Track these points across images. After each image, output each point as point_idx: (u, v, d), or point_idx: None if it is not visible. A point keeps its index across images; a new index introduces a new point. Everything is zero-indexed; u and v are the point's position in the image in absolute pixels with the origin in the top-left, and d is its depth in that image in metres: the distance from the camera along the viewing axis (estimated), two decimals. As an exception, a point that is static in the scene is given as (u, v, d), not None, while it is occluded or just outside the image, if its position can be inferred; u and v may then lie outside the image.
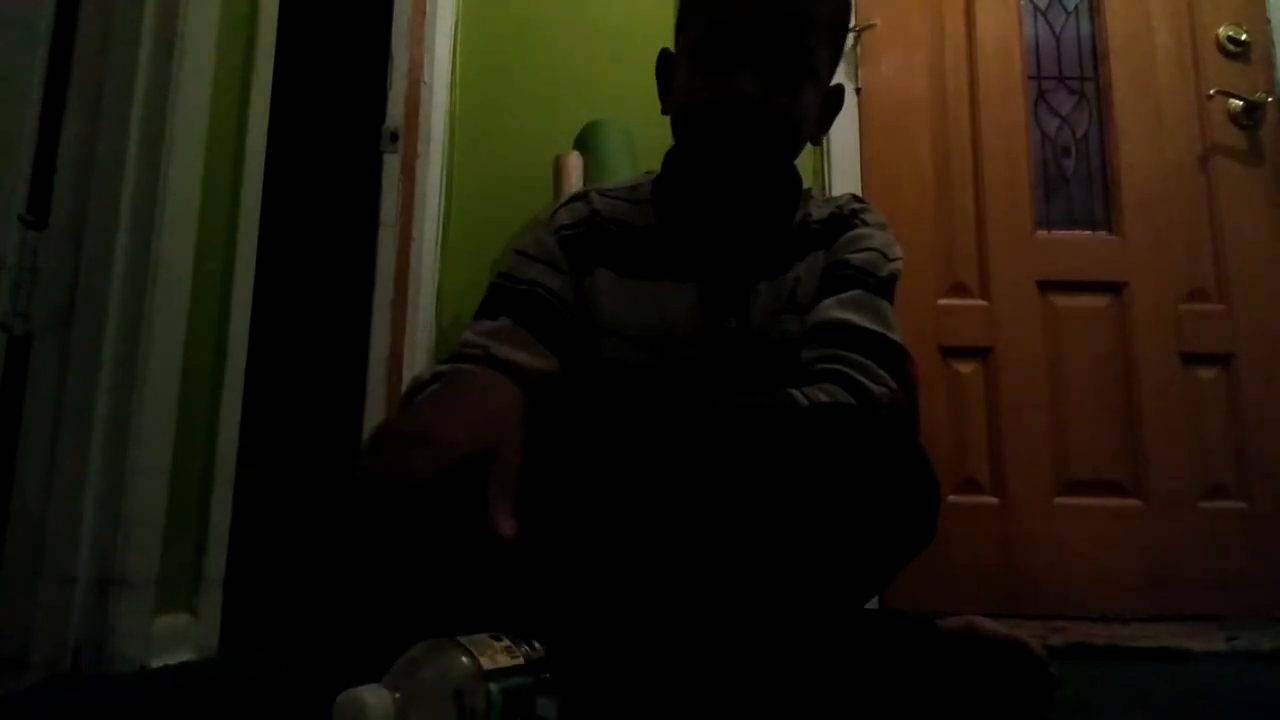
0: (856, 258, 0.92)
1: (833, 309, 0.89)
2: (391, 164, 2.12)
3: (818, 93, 0.94)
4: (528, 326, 0.88)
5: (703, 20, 0.91)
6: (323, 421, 2.17)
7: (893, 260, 0.94)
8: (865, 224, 0.96)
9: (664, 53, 0.99)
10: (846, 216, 0.96)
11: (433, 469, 0.58)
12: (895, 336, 0.88)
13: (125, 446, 1.18)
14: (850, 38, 2.36)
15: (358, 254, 2.11)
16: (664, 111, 0.98)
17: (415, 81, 2.18)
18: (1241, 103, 2.31)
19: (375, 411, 2.01)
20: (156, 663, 1.20)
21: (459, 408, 0.68)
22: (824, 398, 0.79)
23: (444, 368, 0.83)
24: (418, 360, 2.06)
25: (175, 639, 1.26)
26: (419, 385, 0.82)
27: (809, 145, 0.98)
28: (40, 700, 1.01)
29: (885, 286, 0.92)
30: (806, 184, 1.01)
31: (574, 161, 2.01)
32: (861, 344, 0.85)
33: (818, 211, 0.98)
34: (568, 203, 1.00)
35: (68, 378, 1.18)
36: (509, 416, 0.69)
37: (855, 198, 1.01)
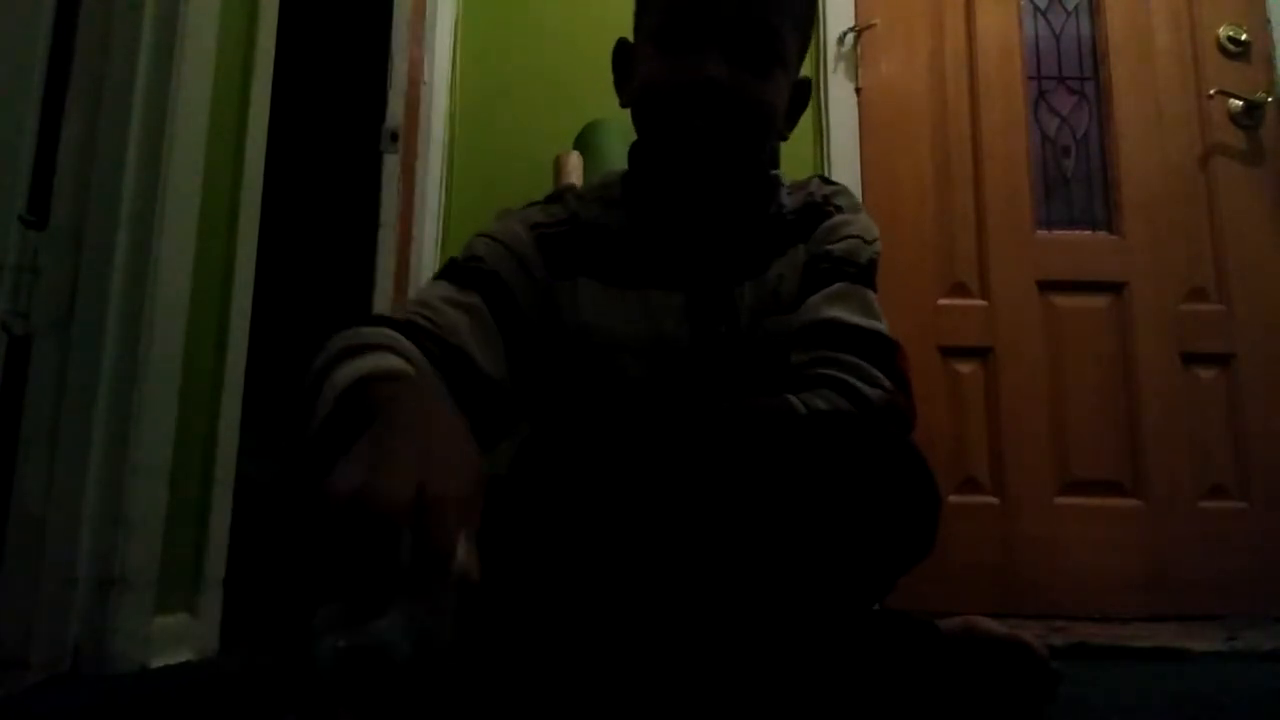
0: (837, 248, 0.90)
1: (819, 306, 0.86)
2: (391, 164, 2.12)
3: (787, 81, 0.90)
4: (493, 312, 0.83)
5: (664, 1, 0.88)
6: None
7: (871, 243, 0.91)
8: (840, 209, 0.93)
9: (621, 42, 0.96)
10: (820, 204, 0.94)
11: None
12: (884, 329, 0.86)
13: (125, 446, 1.18)
14: (850, 38, 2.36)
15: (358, 254, 2.11)
16: (622, 104, 0.94)
17: (415, 81, 2.17)
18: (1241, 103, 2.31)
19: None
20: (156, 663, 1.20)
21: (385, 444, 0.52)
22: (822, 405, 0.78)
23: (387, 362, 0.68)
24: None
25: (175, 639, 1.26)
26: (344, 351, 0.69)
27: (792, 143, 0.97)
28: (40, 700, 1.01)
29: (867, 273, 0.90)
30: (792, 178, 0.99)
31: (574, 161, 2.02)
32: (852, 342, 0.83)
33: (789, 201, 0.95)
34: (544, 203, 0.96)
35: (68, 378, 1.18)
36: (470, 455, 0.54)
37: (824, 180, 0.98)
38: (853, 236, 0.91)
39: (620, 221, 0.93)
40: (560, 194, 0.97)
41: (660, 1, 0.89)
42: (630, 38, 0.96)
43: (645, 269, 0.90)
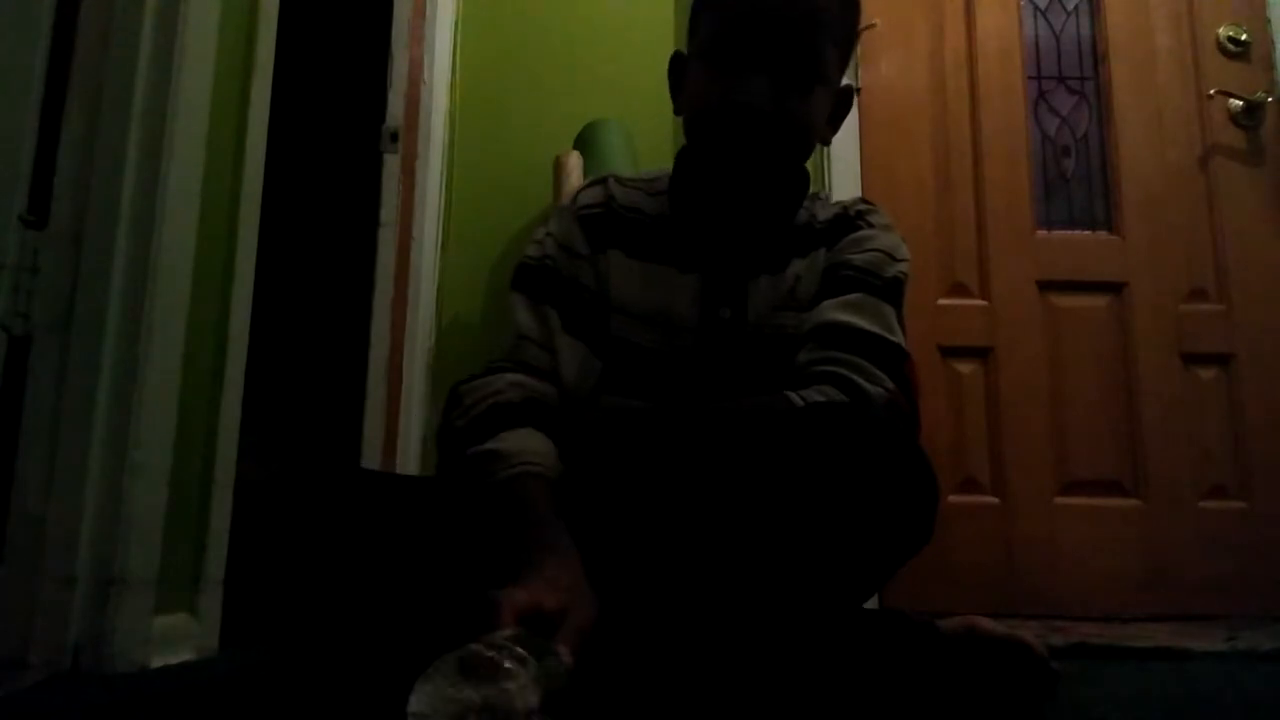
0: (858, 258, 0.92)
1: (832, 310, 0.88)
2: (391, 164, 2.12)
3: (828, 94, 0.94)
4: (564, 315, 0.92)
5: (713, 19, 0.92)
6: (323, 421, 2.17)
7: (899, 262, 0.93)
8: (871, 225, 0.96)
9: (676, 55, 1.00)
10: (852, 218, 0.96)
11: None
12: (895, 338, 0.88)
13: (125, 446, 1.18)
14: (850, 38, 2.36)
15: (358, 254, 2.11)
16: (676, 113, 0.98)
17: (415, 81, 2.18)
18: (1241, 103, 2.31)
19: (375, 411, 2.00)
20: (156, 663, 1.20)
21: (547, 574, 0.67)
22: (819, 398, 0.79)
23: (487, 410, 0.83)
24: (417, 360, 2.06)
25: (175, 639, 1.26)
26: (460, 411, 0.85)
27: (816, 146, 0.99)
28: (40, 700, 1.01)
29: (890, 289, 0.91)
30: (812, 185, 1.01)
31: (574, 161, 2.01)
32: (859, 345, 0.85)
33: (824, 212, 0.98)
34: (589, 186, 1.02)
35: (68, 378, 1.18)
36: (581, 582, 0.68)
37: (863, 200, 1.01)
38: (878, 250, 0.93)
39: (658, 208, 0.98)
40: (604, 178, 1.03)
41: (710, 20, 0.92)
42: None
43: (669, 249, 0.94)
